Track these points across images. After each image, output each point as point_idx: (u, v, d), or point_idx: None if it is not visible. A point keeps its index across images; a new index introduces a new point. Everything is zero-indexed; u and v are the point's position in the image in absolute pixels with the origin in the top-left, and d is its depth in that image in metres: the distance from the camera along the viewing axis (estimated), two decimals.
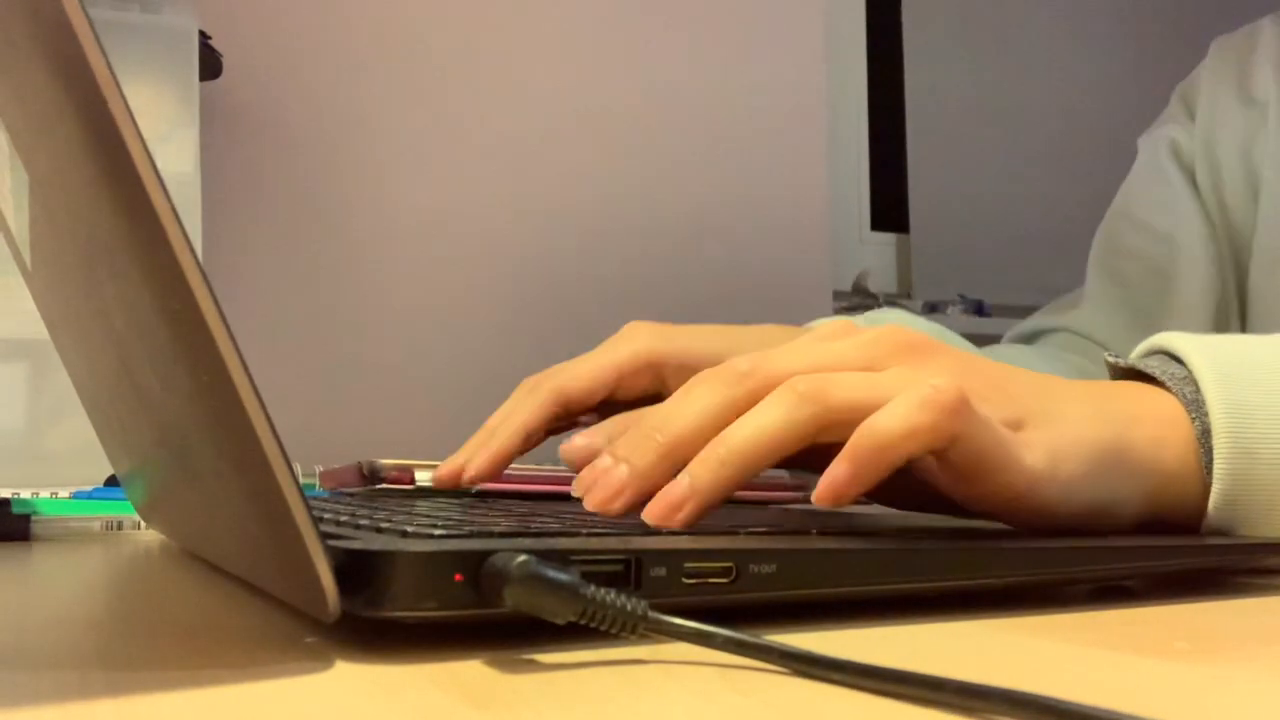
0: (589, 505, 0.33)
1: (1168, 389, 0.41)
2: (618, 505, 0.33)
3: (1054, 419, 0.37)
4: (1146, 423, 0.39)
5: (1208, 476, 0.39)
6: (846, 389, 0.33)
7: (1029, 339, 0.92)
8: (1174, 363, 0.42)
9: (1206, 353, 0.41)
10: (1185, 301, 0.83)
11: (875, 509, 0.53)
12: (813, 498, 0.32)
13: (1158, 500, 0.39)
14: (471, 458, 0.41)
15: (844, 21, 1.84)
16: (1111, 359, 0.44)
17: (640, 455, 0.33)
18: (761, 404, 0.33)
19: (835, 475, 0.31)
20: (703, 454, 0.32)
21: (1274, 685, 0.22)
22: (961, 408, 0.32)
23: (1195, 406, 0.40)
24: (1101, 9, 1.98)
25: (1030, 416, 0.37)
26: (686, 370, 0.49)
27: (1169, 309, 0.83)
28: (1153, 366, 0.42)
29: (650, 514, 0.32)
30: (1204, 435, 0.39)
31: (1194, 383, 0.40)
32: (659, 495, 0.32)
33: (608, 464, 0.33)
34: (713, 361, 0.49)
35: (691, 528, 0.32)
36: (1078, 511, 0.37)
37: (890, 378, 0.34)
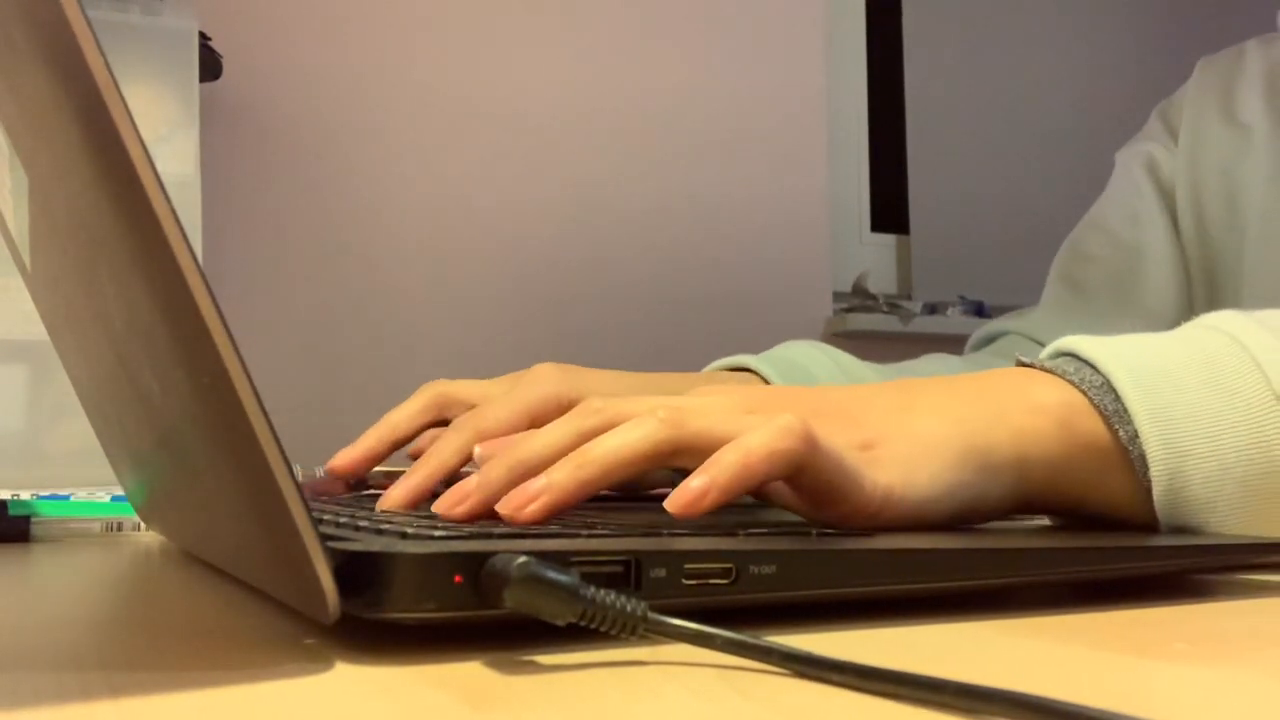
0: (435, 508, 0.35)
1: (1084, 393, 0.42)
2: (460, 510, 0.34)
3: (906, 435, 0.39)
4: (1012, 415, 0.41)
5: (1145, 479, 0.40)
6: (703, 419, 0.35)
7: (987, 341, 0.93)
8: (1088, 368, 0.43)
9: (1118, 359, 0.42)
10: (1146, 310, 0.84)
11: None
12: (666, 504, 0.33)
13: (1025, 489, 0.41)
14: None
15: (844, 22, 1.84)
16: (1025, 361, 0.45)
17: (492, 469, 0.35)
18: (624, 425, 0.35)
19: (692, 486, 0.33)
20: (563, 460, 0.34)
21: (1274, 686, 0.22)
22: (810, 438, 0.34)
23: (1118, 416, 0.41)
24: (1102, 10, 1.98)
25: (882, 437, 0.39)
26: None
27: (1126, 316, 0.84)
28: (1069, 372, 0.43)
29: (503, 506, 0.33)
30: (1132, 441, 0.40)
31: (1113, 390, 0.41)
32: (515, 490, 0.33)
33: (467, 481, 0.35)
34: None
35: (543, 522, 0.33)
36: (939, 516, 0.39)
37: (745, 418, 0.36)
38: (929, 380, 0.43)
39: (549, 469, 0.34)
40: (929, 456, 0.39)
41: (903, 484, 0.38)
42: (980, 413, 0.41)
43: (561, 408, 0.51)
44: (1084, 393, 0.42)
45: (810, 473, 0.35)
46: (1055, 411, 0.41)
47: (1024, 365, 0.45)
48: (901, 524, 0.38)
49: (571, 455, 0.34)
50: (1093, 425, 0.41)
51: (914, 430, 0.39)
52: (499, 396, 0.51)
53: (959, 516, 0.40)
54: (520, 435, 0.38)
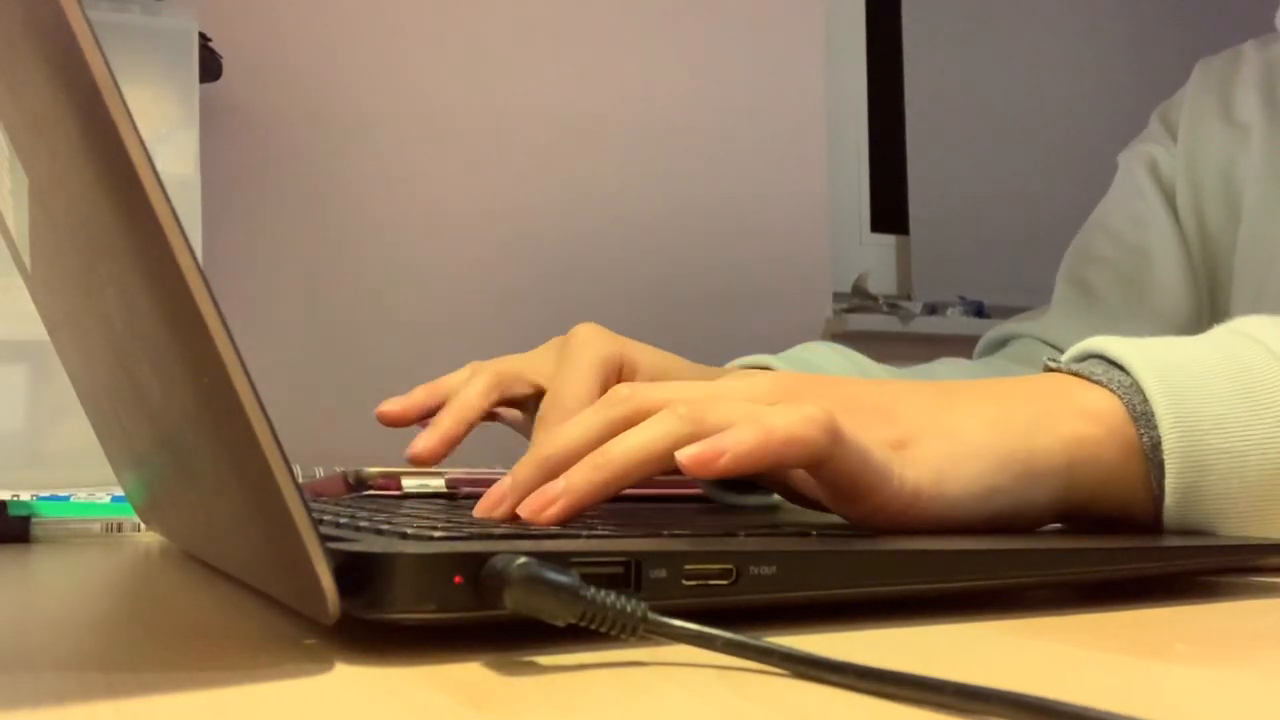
0: (475, 512, 0.36)
1: (1114, 394, 0.41)
2: (498, 512, 0.35)
3: (945, 435, 0.38)
4: (1058, 421, 0.40)
5: (1158, 487, 0.40)
6: (723, 414, 0.34)
7: (999, 344, 0.93)
8: (1116, 369, 0.42)
9: (1149, 362, 0.41)
10: (1156, 310, 0.84)
11: None
12: (677, 455, 0.32)
13: (1072, 497, 0.40)
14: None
15: (844, 22, 1.84)
16: (1053, 364, 0.45)
17: (522, 469, 0.35)
18: (644, 422, 0.35)
19: (712, 444, 0.32)
20: (581, 461, 0.34)
21: (1273, 687, 0.22)
22: (834, 430, 0.34)
23: (1145, 420, 0.40)
24: (1101, 10, 1.98)
25: (918, 435, 0.38)
26: (642, 377, 0.51)
27: (1137, 317, 0.84)
28: (1097, 373, 0.42)
29: (524, 509, 0.33)
30: (1154, 448, 0.40)
31: (1141, 392, 0.40)
32: (535, 493, 0.33)
33: (502, 483, 0.35)
34: (661, 374, 0.51)
35: (564, 524, 0.33)
36: (972, 520, 0.38)
37: (768, 410, 0.35)
38: (967, 383, 0.42)
39: (568, 471, 0.34)
40: (965, 458, 0.38)
41: (933, 484, 0.37)
42: (1023, 417, 0.40)
43: (618, 369, 0.50)
44: (1118, 395, 0.41)
45: (832, 465, 0.34)
46: (1106, 419, 0.40)
47: (1052, 369, 0.44)
48: (930, 525, 0.37)
49: (591, 456, 0.34)
50: (1137, 432, 0.40)
51: (951, 431, 0.38)
52: (561, 381, 0.49)
53: (994, 523, 0.39)
54: (551, 432, 0.38)
